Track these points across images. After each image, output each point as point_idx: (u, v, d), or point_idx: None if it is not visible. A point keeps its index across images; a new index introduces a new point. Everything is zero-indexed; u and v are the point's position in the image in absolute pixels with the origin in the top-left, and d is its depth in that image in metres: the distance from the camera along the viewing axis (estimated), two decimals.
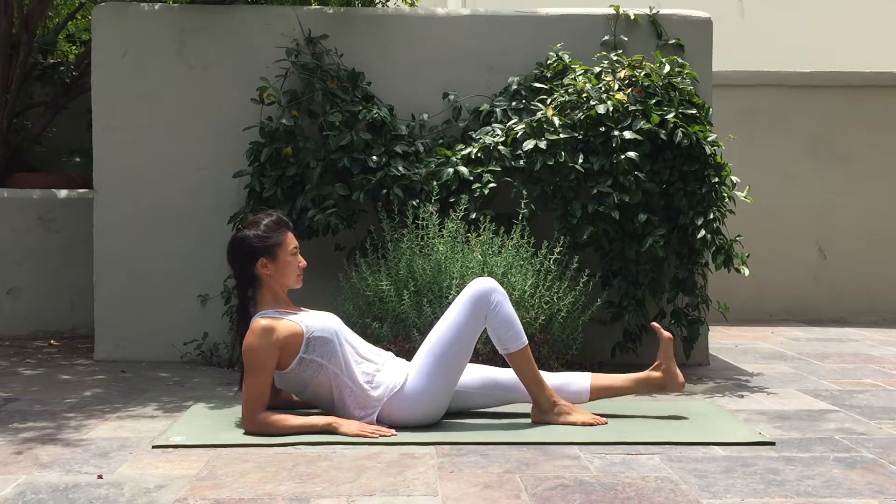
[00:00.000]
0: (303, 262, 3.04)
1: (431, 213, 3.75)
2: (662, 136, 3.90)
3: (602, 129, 3.93)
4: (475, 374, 3.10)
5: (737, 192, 3.99)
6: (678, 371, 3.18)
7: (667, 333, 3.19)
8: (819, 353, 4.71)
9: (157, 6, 4.41)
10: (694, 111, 3.98)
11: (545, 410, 3.03)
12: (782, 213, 6.25)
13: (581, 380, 3.15)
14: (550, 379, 3.10)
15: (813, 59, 7.31)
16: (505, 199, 4.00)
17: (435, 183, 3.90)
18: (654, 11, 4.39)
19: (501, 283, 3.35)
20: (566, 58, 4.22)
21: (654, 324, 3.27)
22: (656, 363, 3.18)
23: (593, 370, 4.01)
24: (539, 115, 3.96)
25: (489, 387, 3.10)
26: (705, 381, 3.91)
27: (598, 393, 3.15)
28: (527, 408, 3.14)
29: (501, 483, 2.40)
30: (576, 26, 4.37)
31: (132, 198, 4.34)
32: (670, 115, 3.92)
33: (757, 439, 2.84)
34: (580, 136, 3.95)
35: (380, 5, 5.17)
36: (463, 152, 4.00)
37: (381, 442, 2.78)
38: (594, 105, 3.93)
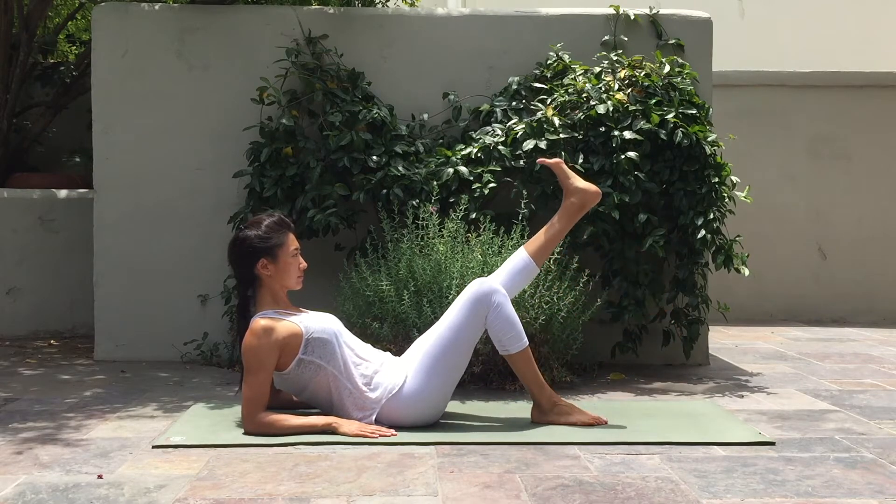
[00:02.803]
0: (303, 264, 3.04)
1: (431, 213, 3.75)
2: (662, 136, 3.89)
3: (602, 129, 3.93)
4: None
5: (737, 192, 3.99)
6: (586, 183, 3.19)
7: (552, 160, 3.23)
8: (819, 353, 4.71)
9: (157, 6, 4.41)
10: (694, 111, 3.98)
11: (545, 410, 3.03)
12: (782, 213, 6.25)
13: (518, 258, 3.15)
14: (499, 275, 3.11)
15: (813, 59, 7.32)
16: (505, 199, 3.99)
17: (435, 183, 3.90)
18: (654, 11, 4.39)
19: None
20: (566, 58, 4.22)
21: (540, 160, 3.29)
22: (564, 193, 3.19)
23: (593, 370, 4.03)
24: (539, 115, 3.96)
25: None
26: (705, 381, 3.91)
27: (539, 256, 3.15)
28: (527, 408, 3.14)
29: (501, 483, 2.40)
30: (576, 26, 4.37)
31: (132, 198, 4.34)
32: (670, 115, 3.92)
33: (757, 439, 2.84)
34: (580, 136, 3.95)
35: (380, 5, 5.17)
36: (463, 152, 4.00)
37: (381, 442, 2.78)
38: (594, 105, 3.93)
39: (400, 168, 3.95)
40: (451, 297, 3.43)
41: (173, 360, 4.29)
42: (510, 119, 4.08)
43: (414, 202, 3.86)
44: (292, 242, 3.02)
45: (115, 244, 4.34)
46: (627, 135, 3.86)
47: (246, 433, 2.86)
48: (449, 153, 4.02)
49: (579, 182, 3.20)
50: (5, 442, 2.80)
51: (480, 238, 3.68)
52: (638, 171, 3.88)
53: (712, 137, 3.95)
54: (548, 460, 2.62)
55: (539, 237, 3.19)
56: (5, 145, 5.36)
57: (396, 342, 3.50)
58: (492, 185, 3.89)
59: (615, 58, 4.16)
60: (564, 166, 3.23)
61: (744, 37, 7.56)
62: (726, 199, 3.94)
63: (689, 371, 4.15)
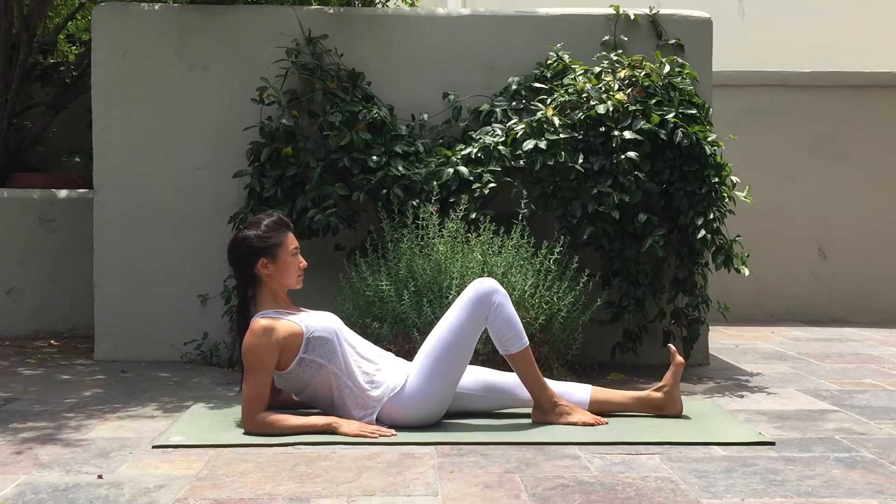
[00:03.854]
0: (303, 263, 3.04)
1: (431, 213, 3.75)
2: (662, 136, 3.90)
3: (602, 129, 3.93)
4: (474, 376, 3.09)
5: (737, 192, 3.99)
6: (680, 397, 3.17)
7: (680, 358, 3.16)
8: (819, 353, 4.71)
9: (157, 6, 4.41)
10: (694, 111, 3.98)
11: (546, 410, 3.03)
12: (782, 213, 6.25)
13: (581, 391, 3.14)
14: (552, 387, 3.10)
15: (813, 59, 7.31)
16: (505, 199, 4.00)
17: (435, 183, 3.90)
18: (654, 11, 4.39)
19: (501, 283, 3.34)
20: (566, 58, 4.22)
21: (671, 346, 3.23)
22: (661, 384, 3.16)
23: (593, 370, 4.03)
24: (539, 115, 3.96)
25: (488, 390, 3.10)
26: (705, 381, 3.91)
27: (597, 406, 3.13)
28: (527, 408, 3.14)
29: (501, 483, 2.40)
30: (576, 26, 4.37)
31: (132, 198, 4.34)
32: (670, 115, 3.92)
33: (757, 439, 2.84)
34: (580, 136, 3.95)
35: (380, 5, 5.17)
36: (463, 152, 4.00)
37: (381, 442, 2.78)
38: (594, 105, 3.93)
39: (400, 168, 3.95)
40: (451, 297, 3.43)
41: (173, 360, 4.29)
42: (510, 119, 4.08)
43: (414, 202, 3.86)
44: (292, 242, 3.02)
45: (115, 244, 4.34)
46: (627, 135, 3.86)
47: (246, 433, 2.86)
48: (449, 153, 4.02)
49: (676, 392, 3.17)
50: (5, 442, 2.80)
51: (480, 238, 3.68)
52: (638, 171, 3.88)
53: (712, 137, 3.95)
54: (548, 460, 2.62)
55: (610, 394, 3.16)
56: (5, 145, 5.36)
57: (396, 342, 3.50)
58: (492, 185, 3.89)
59: (615, 58, 4.16)
60: (681, 371, 3.17)
61: (744, 37, 7.56)
62: (726, 199, 3.94)
63: (689, 371, 4.15)
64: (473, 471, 2.51)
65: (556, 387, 3.12)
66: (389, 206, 3.91)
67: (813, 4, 8.16)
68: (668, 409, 3.15)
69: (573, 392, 3.13)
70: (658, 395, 3.16)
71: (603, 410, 3.14)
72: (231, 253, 3.01)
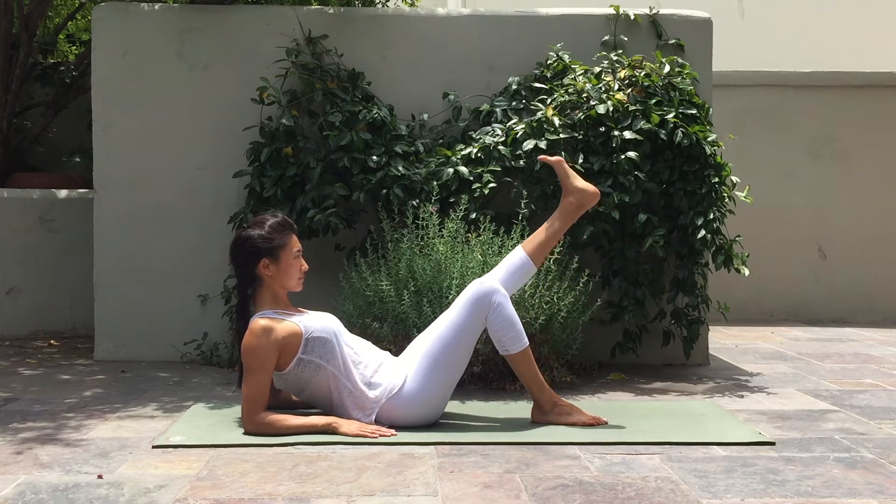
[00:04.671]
0: (305, 266, 3.04)
1: (431, 213, 3.75)
2: (662, 136, 3.89)
3: (602, 129, 3.93)
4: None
5: (737, 192, 3.99)
6: (585, 183, 3.20)
7: (554, 157, 3.25)
8: (819, 353, 4.71)
9: (157, 6, 4.41)
10: (694, 111, 3.98)
11: (546, 411, 3.03)
12: (782, 213, 6.25)
13: (516, 256, 3.15)
14: (497, 273, 3.11)
15: (813, 59, 7.32)
16: (505, 199, 3.99)
17: (435, 183, 3.90)
18: (654, 11, 4.39)
19: None
20: (566, 58, 4.22)
21: (542, 157, 3.31)
22: (563, 193, 3.20)
23: (593, 370, 4.03)
24: (539, 115, 3.96)
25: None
26: (705, 381, 3.91)
27: (538, 255, 3.15)
28: (527, 408, 3.14)
29: (501, 483, 2.40)
30: (576, 26, 4.37)
31: (132, 198, 4.34)
32: (670, 115, 3.91)
33: (757, 439, 2.84)
34: (580, 136, 3.95)
35: (380, 5, 5.17)
36: (463, 152, 4.00)
37: (381, 442, 2.78)
38: (594, 105, 3.93)
39: (400, 168, 3.95)
40: (451, 297, 3.43)
41: (173, 360, 4.29)
42: (510, 119, 4.08)
43: (414, 202, 3.86)
44: (295, 244, 3.01)
45: (115, 244, 4.34)
46: (627, 135, 3.86)
47: (246, 433, 2.86)
48: (449, 153, 4.02)
49: (579, 182, 3.20)
50: (5, 442, 2.80)
51: (480, 238, 3.68)
52: (638, 171, 3.87)
53: (712, 137, 3.95)
54: (548, 460, 2.62)
55: (537, 236, 3.19)
56: (5, 145, 5.36)
57: (396, 342, 3.50)
58: (492, 185, 3.89)
59: (615, 58, 4.16)
60: (565, 165, 3.24)
61: (744, 37, 7.56)
62: (726, 199, 3.94)
63: (689, 371, 4.15)
64: (473, 471, 2.51)
65: (501, 272, 3.12)
66: (389, 206, 3.91)
67: (813, 4, 8.17)
68: (585, 200, 3.19)
69: (513, 263, 3.14)
70: (568, 199, 3.19)
71: (545, 251, 3.17)
72: (233, 252, 3.01)
